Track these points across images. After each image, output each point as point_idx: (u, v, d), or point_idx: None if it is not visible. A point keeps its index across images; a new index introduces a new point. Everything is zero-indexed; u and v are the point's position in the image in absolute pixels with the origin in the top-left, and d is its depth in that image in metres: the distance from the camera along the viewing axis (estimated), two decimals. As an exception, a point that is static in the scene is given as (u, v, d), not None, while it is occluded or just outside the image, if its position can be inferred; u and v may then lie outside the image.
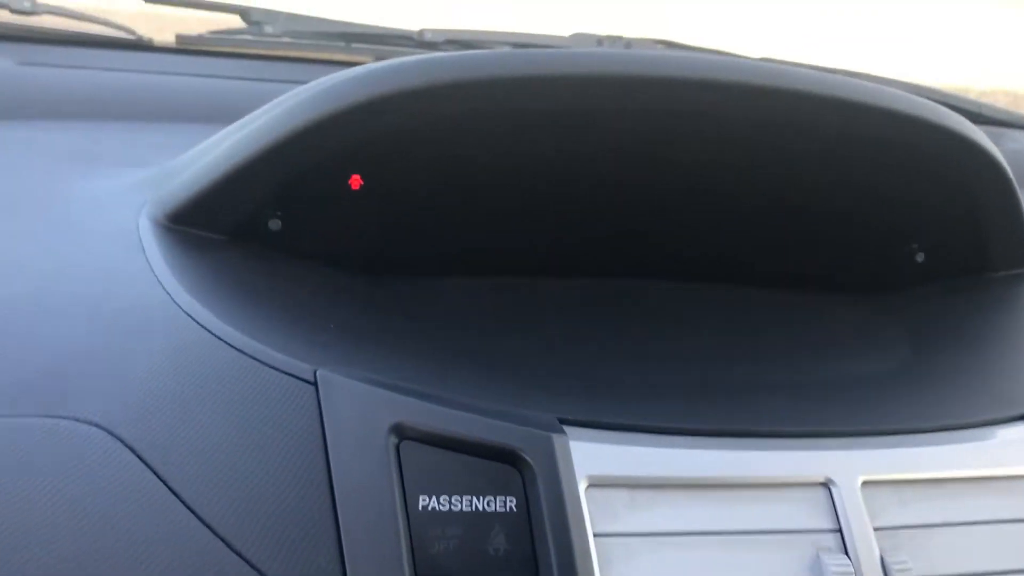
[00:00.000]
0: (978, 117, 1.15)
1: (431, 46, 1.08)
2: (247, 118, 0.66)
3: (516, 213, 0.66)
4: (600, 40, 1.12)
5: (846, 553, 0.51)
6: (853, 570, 0.50)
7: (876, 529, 0.52)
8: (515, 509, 0.49)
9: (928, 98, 1.11)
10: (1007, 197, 0.72)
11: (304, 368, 0.52)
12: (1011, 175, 0.71)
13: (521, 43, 1.10)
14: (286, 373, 0.52)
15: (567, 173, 0.65)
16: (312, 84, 0.64)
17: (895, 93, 0.68)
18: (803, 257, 0.72)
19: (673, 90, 0.62)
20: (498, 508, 0.48)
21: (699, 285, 0.70)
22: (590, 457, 0.50)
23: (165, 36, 1.04)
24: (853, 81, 0.67)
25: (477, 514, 0.48)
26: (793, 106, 0.64)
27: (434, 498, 0.48)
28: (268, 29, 1.05)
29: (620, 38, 1.13)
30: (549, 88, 0.61)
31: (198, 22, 1.13)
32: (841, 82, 0.66)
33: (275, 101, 0.65)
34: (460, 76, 0.60)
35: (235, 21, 1.08)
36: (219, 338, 0.54)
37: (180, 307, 0.56)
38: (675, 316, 0.67)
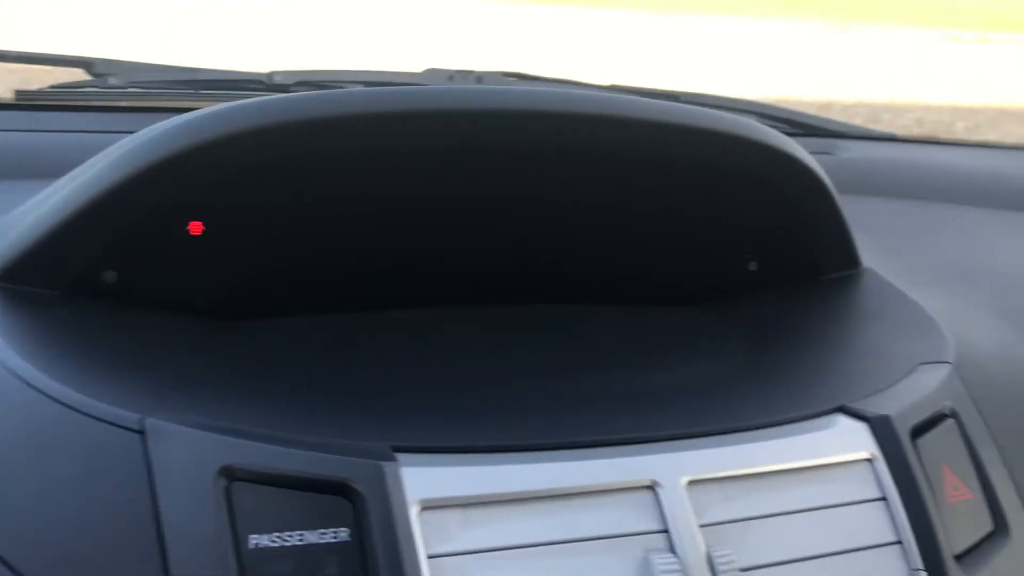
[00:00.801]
0: (816, 130, 1.21)
1: (281, 88, 1.08)
2: (74, 171, 0.66)
3: (355, 248, 0.67)
4: (451, 75, 1.14)
5: (673, 552, 0.53)
6: (680, 568, 0.52)
7: (702, 526, 0.54)
8: (348, 539, 0.49)
9: (763, 115, 1.17)
10: (828, 205, 0.76)
11: (130, 417, 0.51)
12: (830, 184, 0.75)
13: (372, 81, 1.11)
14: (112, 424, 0.51)
15: (405, 207, 0.67)
16: (139, 133, 0.64)
17: (716, 114, 0.71)
18: (638, 272, 0.74)
19: (501, 122, 0.65)
20: (330, 540, 0.49)
21: (536, 305, 0.72)
22: (423, 481, 0.51)
23: (4, 92, 1.01)
24: (678, 105, 0.70)
25: (309, 547, 0.49)
26: (616, 132, 0.67)
27: (265, 536, 0.48)
28: (113, 80, 1.04)
29: (471, 72, 1.15)
30: (380, 125, 0.63)
31: (42, 76, 1.11)
32: (667, 107, 0.69)
33: (102, 152, 0.65)
34: (287, 118, 0.61)
35: (79, 74, 1.06)
36: (45, 394, 0.53)
37: (5, 365, 0.55)
38: (513, 337, 0.69)
